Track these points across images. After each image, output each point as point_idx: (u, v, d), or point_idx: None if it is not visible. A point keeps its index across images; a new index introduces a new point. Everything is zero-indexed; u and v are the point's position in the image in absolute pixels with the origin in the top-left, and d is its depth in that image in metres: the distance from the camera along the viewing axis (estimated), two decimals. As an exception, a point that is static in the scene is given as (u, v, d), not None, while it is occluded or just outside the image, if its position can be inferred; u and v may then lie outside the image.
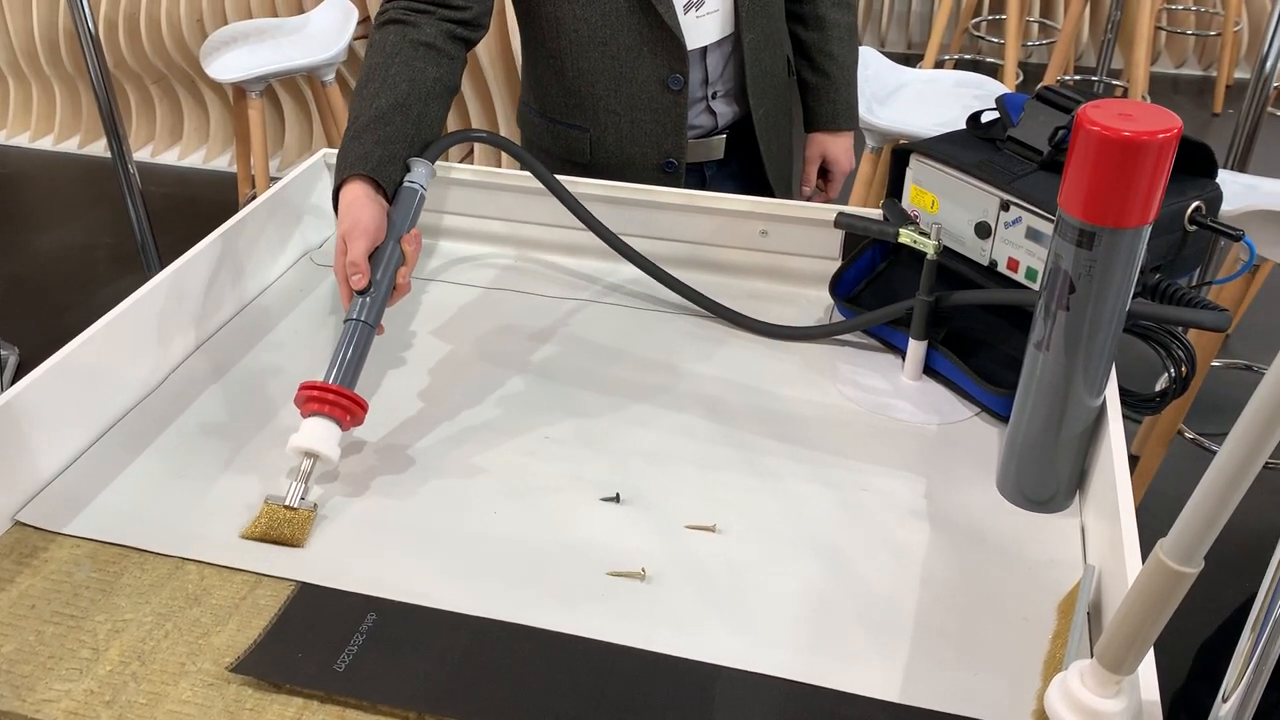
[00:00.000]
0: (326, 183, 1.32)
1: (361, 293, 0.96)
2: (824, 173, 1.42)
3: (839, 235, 1.18)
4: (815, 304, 1.20)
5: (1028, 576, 0.85)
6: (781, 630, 0.81)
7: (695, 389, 1.06)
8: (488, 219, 1.28)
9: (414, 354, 1.12)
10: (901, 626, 0.81)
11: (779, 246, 1.20)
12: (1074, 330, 0.82)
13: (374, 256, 0.97)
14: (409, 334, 1.15)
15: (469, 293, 1.22)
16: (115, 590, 0.85)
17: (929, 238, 1.00)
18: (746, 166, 1.31)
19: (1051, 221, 0.95)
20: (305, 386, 0.89)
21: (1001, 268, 1.02)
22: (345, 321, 0.95)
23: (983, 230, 1.02)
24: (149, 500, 0.93)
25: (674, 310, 1.19)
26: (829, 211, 1.18)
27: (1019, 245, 0.99)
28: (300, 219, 1.28)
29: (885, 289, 1.15)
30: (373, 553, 0.87)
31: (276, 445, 0.99)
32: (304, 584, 0.85)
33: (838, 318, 1.16)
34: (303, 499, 0.88)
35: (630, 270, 1.25)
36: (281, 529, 0.87)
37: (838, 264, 1.19)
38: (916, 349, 1.04)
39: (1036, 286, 0.99)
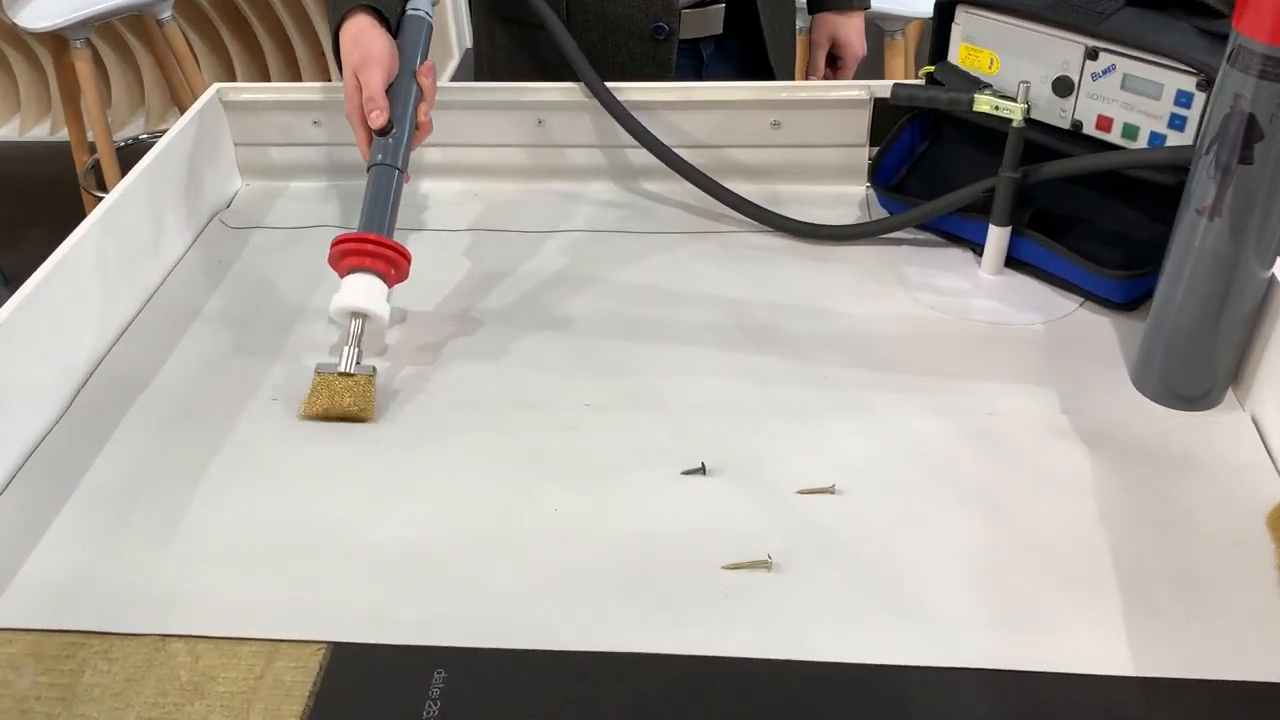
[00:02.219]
0: (225, 129, 1.07)
1: (382, 132, 0.85)
2: (832, 60, 1.24)
3: (864, 119, 1.00)
4: (843, 201, 1.02)
5: (1216, 489, 0.71)
6: (959, 607, 0.65)
7: (742, 318, 0.88)
8: (430, 146, 1.05)
9: (396, 326, 0.90)
10: (1099, 577, 0.66)
11: (795, 139, 1.02)
12: (1252, 188, 0.67)
13: (389, 93, 0.85)
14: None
15: (438, 240, 1.00)
16: (78, 697, 0.63)
17: (1014, 100, 0.83)
18: (747, 47, 1.12)
19: (1157, 64, 0.79)
20: (340, 240, 0.80)
21: (1089, 129, 0.86)
22: (369, 169, 0.85)
23: (1063, 87, 0.86)
24: (95, 560, 0.70)
25: (683, 229, 1.00)
26: (853, 90, 1.00)
27: (1112, 99, 0.83)
28: (200, 177, 1.03)
29: (932, 172, 0.98)
30: (414, 587, 0.67)
31: (252, 451, 0.77)
32: (337, 644, 0.65)
33: (879, 212, 0.99)
34: (358, 364, 0.78)
35: (613, 187, 1.05)
36: (343, 399, 0.76)
37: (864, 151, 1.02)
38: (999, 237, 0.88)
39: (1136, 145, 0.83)
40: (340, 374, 0.76)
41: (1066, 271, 0.87)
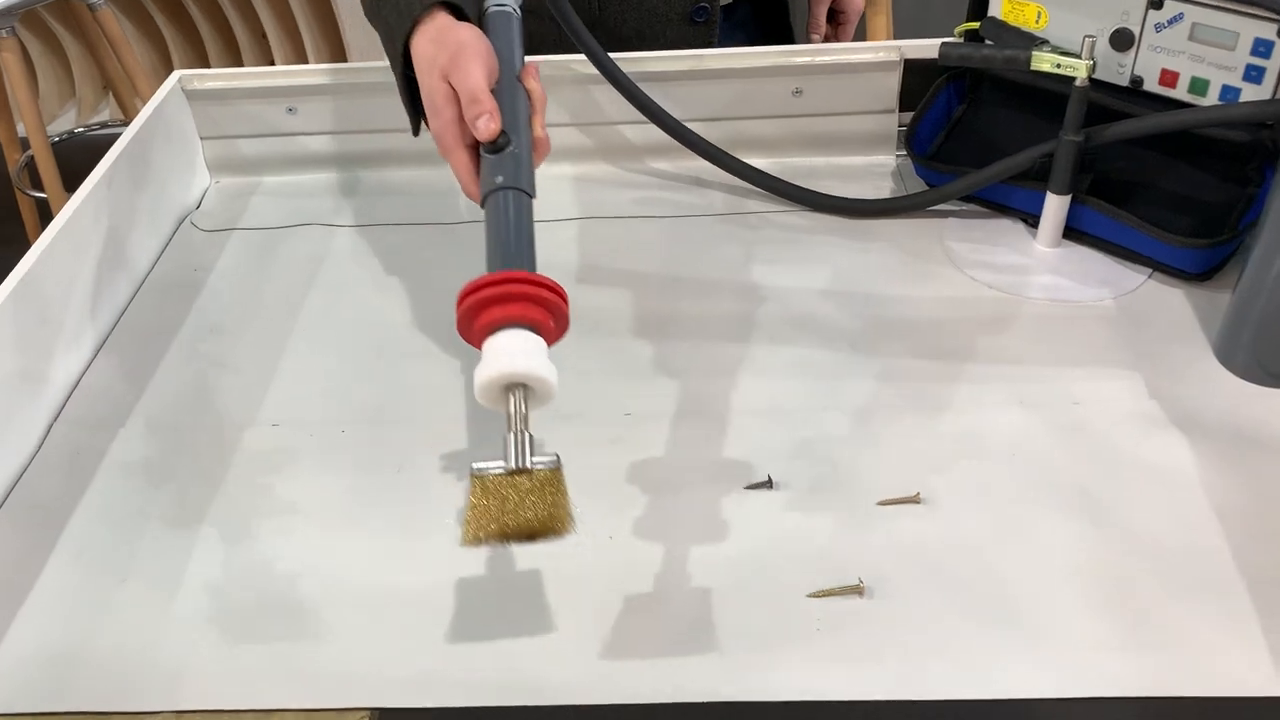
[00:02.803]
0: (189, 121, 0.97)
1: (494, 147, 0.63)
2: (833, 16, 1.16)
3: (894, 83, 0.93)
4: (873, 173, 0.95)
5: (1335, 476, 0.65)
6: (1081, 627, 0.58)
7: (783, 308, 0.81)
8: (390, 132, 0.95)
9: (389, 336, 0.81)
10: (1226, 582, 0.59)
11: (818, 107, 0.94)
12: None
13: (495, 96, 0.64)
14: (371, 309, 0.84)
15: (432, 235, 0.91)
16: (84, 794, 0.54)
17: (1077, 56, 0.75)
18: (761, 9, 1.03)
19: (1231, 11, 0.73)
20: (471, 290, 0.56)
21: (1151, 85, 0.79)
22: (485, 198, 0.63)
23: (1122, 40, 0.79)
24: (86, 627, 0.61)
25: (703, 212, 0.92)
26: (882, 51, 0.92)
27: (1178, 51, 0.77)
28: (164, 176, 0.93)
29: (971, 138, 0.91)
30: (461, 639, 0.59)
31: (255, 489, 0.68)
32: (383, 711, 0.56)
33: (914, 183, 0.91)
34: (533, 454, 0.54)
35: (618, 169, 0.97)
36: (523, 511, 0.53)
37: (893, 118, 0.94)
38: (1058, 206, 0.81)
39: (1205, 100, 0.77)
40: (512, 473, 0.54)
41: (1133, 241, 0.80)
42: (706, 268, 0.85)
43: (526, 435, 0.54)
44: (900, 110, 0.94)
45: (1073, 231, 0.83)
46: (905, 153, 0.92)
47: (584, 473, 0.66)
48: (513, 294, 0.55)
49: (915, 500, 0.65)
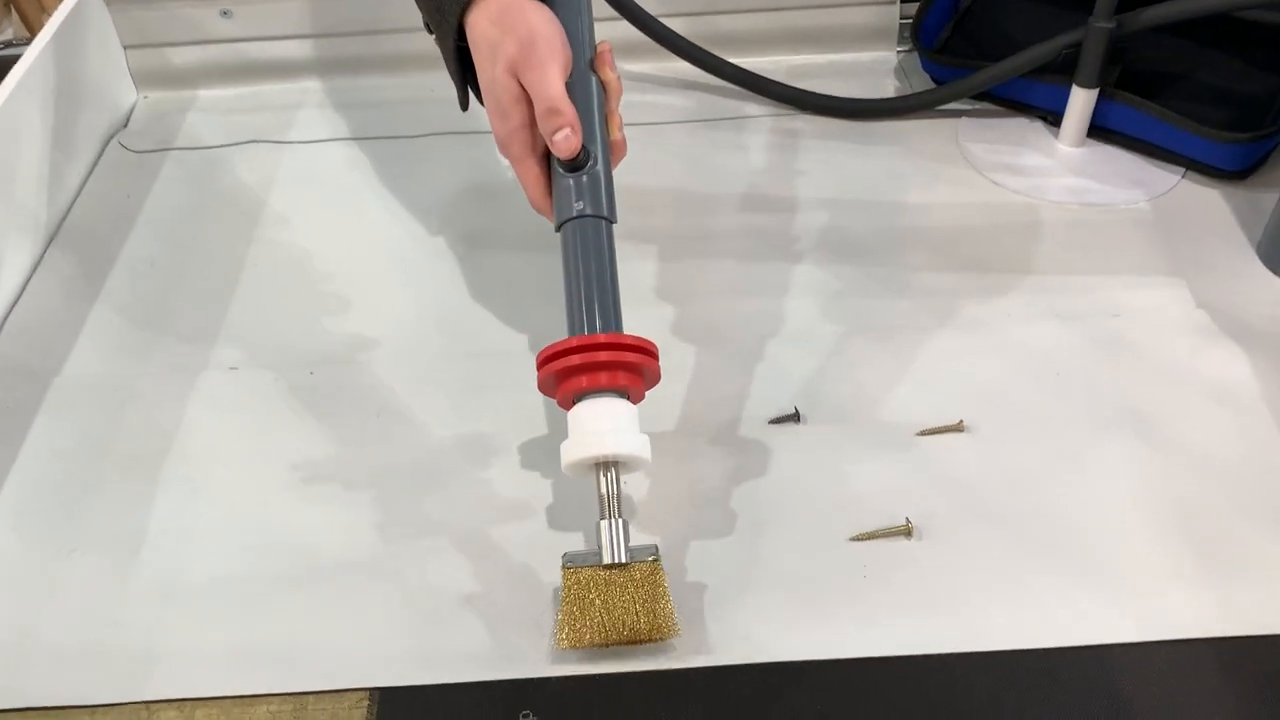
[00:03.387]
0: (109, 29, 0.86)
1: (575, 165, 0.55)
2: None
3: (894, -32, 0.85)
4: (874, 71, 0.87)
5: (1400, 386, 0.60)
6: (1150, 563, 0.53)
7: (792, 221, 0.74)
8: (341, 37, 0.86)
9: (354, 265, 0.73)
10: (1302, 508, 0.54)
11: (810, -1, 0.86)
12: None
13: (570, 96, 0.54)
14: (331, 237, 0.75)
15: (396, 150, 0.82)
16: (48, 803, 0.47)
17: (1113, -68, 0.68)
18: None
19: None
20: (553, 354, 0.51)
21: (1186, -37, 0.72)
22: (561, 225, 0.55)
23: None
24: (39, 613, 0.54)
25: (686, 118, 0.84)
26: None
27: (1216, -77, 0.69)
28: (84, 90, 0.83)
29: (981, 30, 0.84)
30: (466, 608, 0.53)
31: (217, 445, 0.60)
32: (384, 690, 0.50)
33: (920, 81, 0.84)
34: (628, 545, 0.50)
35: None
36: (625, 614, 0.49)
37: (894, 9, 0.86)
38: (1084, 102, 0.74)
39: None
40: (608, 567, 0.49)
41: (1166, 137, 0.74)
42: (699, 179, 0.78)
43: (621, 523, 0.50)
44: (899, 1, 0.86)
45: (1098, 130, 0.76)
46: (909, 47, 0.84)
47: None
48: (602, 362, 0.50)
49: (958, 429, 0.59)
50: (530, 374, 0.52)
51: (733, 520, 0.55)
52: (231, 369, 0.65)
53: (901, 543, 0.54)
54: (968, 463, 0.58)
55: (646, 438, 0.51)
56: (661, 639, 0.49)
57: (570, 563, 0.50)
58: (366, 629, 0.52)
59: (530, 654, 0.50)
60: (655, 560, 0.50)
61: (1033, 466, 0.57)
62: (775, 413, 0.60)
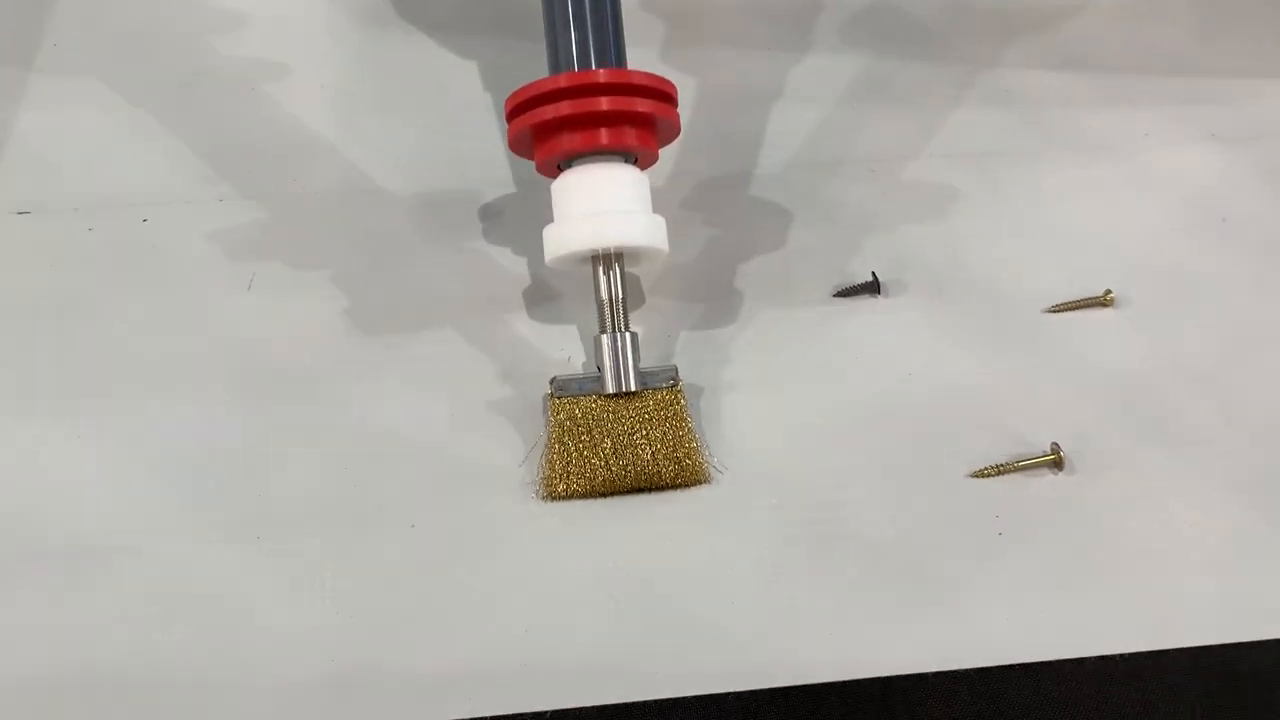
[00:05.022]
0: None
1: None
2: None
3: None
4: None
5: None
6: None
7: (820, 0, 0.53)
8: None
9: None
10: None
11: None
12: None
13: None
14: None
15: None
16: None
17: None
18: None
19: None
20: (533, 97, 0.38)
21: None
22: None
23: None
24: None
25: None
26: None
27: None
28: None
29: None
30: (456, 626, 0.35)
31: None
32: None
33: None
34: (636, 368, 0.38)
35: None
36: (638, 455, 0.37)
37: None
38: None
39: None
40: (612, 396, 0.38)
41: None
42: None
43: (629, 338, 0.38)
44: None
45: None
46: None
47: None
48: (603, 113, 0.37)
49: (1103, 302, 0.41)
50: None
51: (798, 440, 0.38)
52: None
53: (1046, 479, 0.37)
54: (1122, 351, 0.40)
55: (661, 220, 0.38)
56: (685, 486, 0.37)
57: (560, 391, 0.38)
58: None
59: (557, 670, 0.32)
60: (675, 386, 0.38)
61: (1207, 353, 0.40)
62: (844, 280, 0.42)
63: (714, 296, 0.42)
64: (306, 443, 0.37)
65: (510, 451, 0.38)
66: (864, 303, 0.41)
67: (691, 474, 0.37)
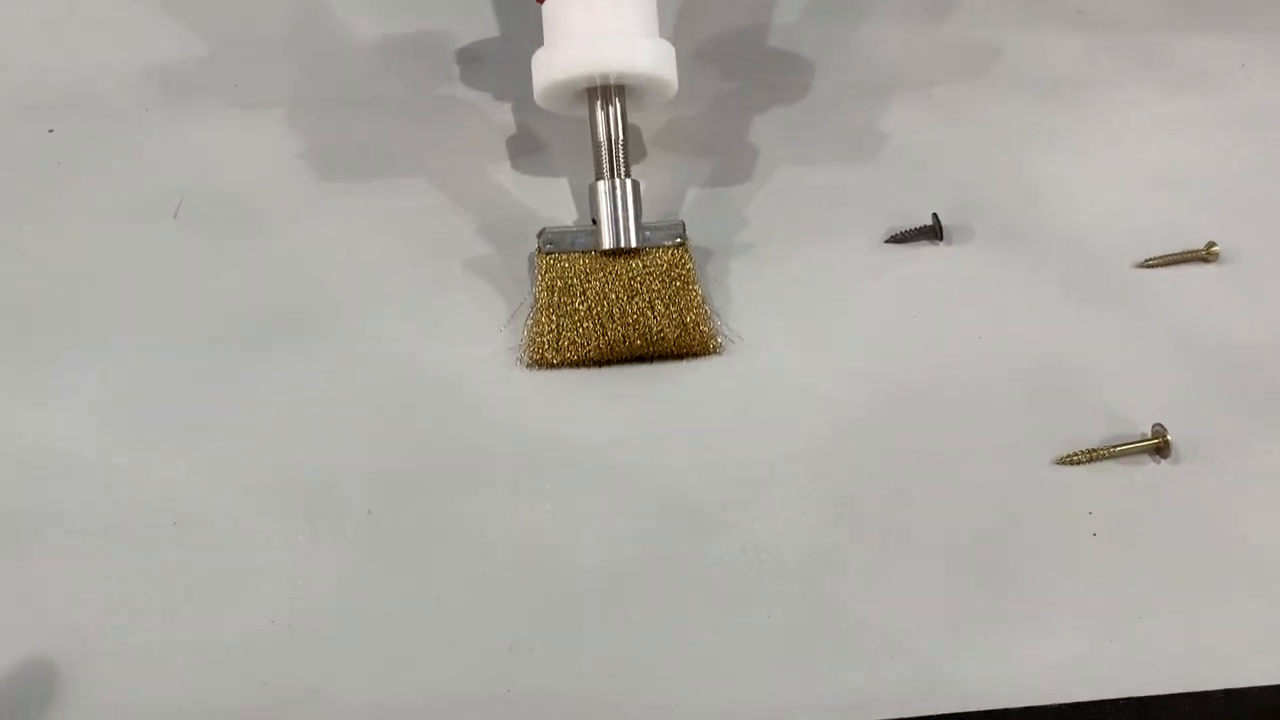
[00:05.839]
0: None
1: None
2: None
3: None
4: None
5: None
6: None
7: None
8: None
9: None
10: None
11: None
12: None
13: None
14: None
15: None
16: None
17: None
18: None
19: None
20: None
21: None
22: None
23: None
24: None
25: None
26: None
27: None
28: None
29: None
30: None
31: None
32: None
33: None
34: (639, 220, 0.33)
35: None
36: (640, 318, 0.32)
37: None
38: None
39: None
40: (610, 252, 0.33)
41: None
42: None
43: (630, 186, 0.32)
44: None
45: None
46: None
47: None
48: None
49: (1205, 256, 0.35)
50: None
51: (854, 405, 0.31)
52: None
53: (1148, 467, 0.31)
54: (1231, 315, 0.34)
55: (670, 47, 0.33)
56: (691, 354, 0.32)
57: (552, 245, 0.33)
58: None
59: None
60: (681, 243, 0.33)
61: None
62: (901, 222, 0.35)
63: (726, 150, 0.36)
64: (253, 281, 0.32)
65: (491, 316, 0.32)
66: (929, 249, 0.34)
67: (699, 341, 0.32)
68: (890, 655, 0.27)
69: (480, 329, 0.32)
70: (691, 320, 0.32)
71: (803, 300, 0.33)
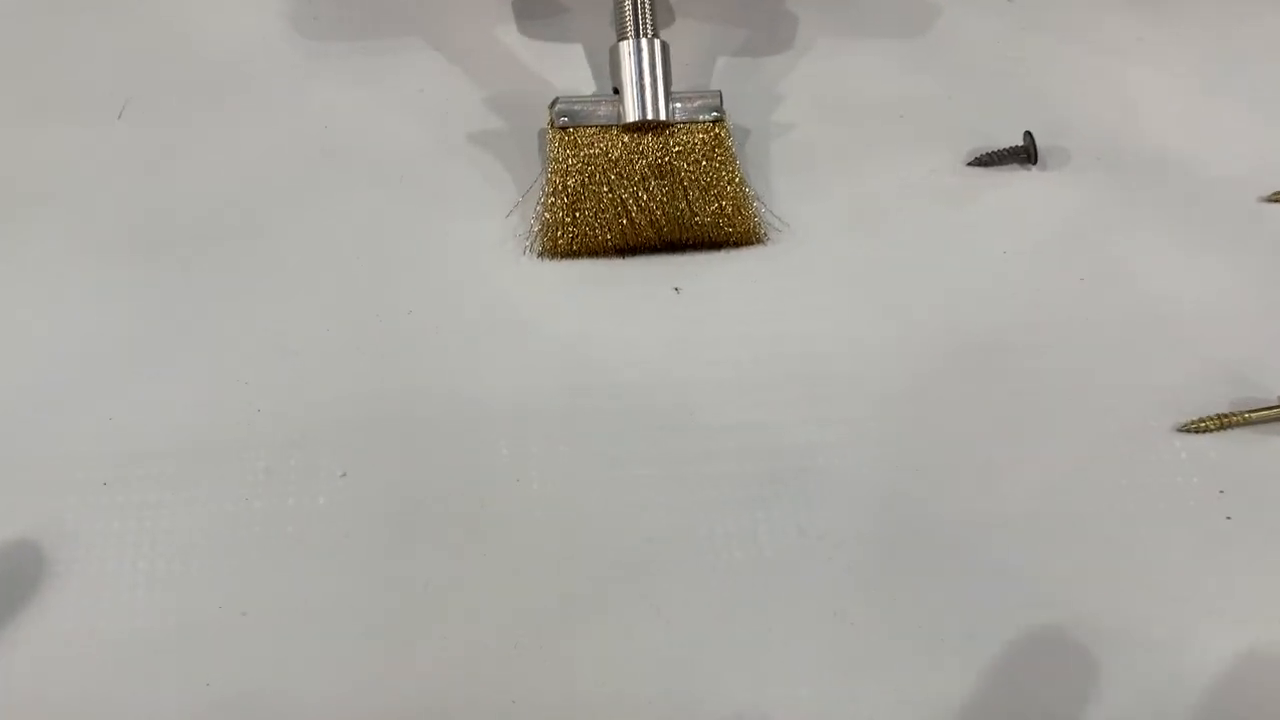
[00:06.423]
0: None
1: None
2: None
3: None
4: None
5: None
6: None
7: None
8: None
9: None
10: None
11: None
12: None
13: None
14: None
15: None
16: None
17: None
18: None
19: None
20: None
21: None
22: None
23: None
24: None
25: None
26: None
27: None
28: None
29: None
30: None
31: None
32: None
33: None
34: (669, 90, 0.27)
35: None
36: (670, 204, 0.27)
37: None
38: None
39: None
40: (633, 126, 0.27)
41: None
42: None
43: (658, 45, 0.27)
44: None
45: None
46: None
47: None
48: None
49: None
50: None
51: (939, 362, 0.26)
52: None
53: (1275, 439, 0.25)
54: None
55: None
56: (733, 244, 0.27)
57: (566, 117, 0.28)
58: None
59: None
60: (719, 118, 0.28)
61: None
62: (982, 145, 0.29)
63: (762, 16, 0.31)
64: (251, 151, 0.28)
65: (502, 195, 0.28)
66: (1019, 175, 0.29)
67: (740, 229, 0.27)
68: (969, 653, 0.22)
69: (486, 212, 0.27)
70: (731, 206, 0.27)
71: (863, 207, 0.28)
